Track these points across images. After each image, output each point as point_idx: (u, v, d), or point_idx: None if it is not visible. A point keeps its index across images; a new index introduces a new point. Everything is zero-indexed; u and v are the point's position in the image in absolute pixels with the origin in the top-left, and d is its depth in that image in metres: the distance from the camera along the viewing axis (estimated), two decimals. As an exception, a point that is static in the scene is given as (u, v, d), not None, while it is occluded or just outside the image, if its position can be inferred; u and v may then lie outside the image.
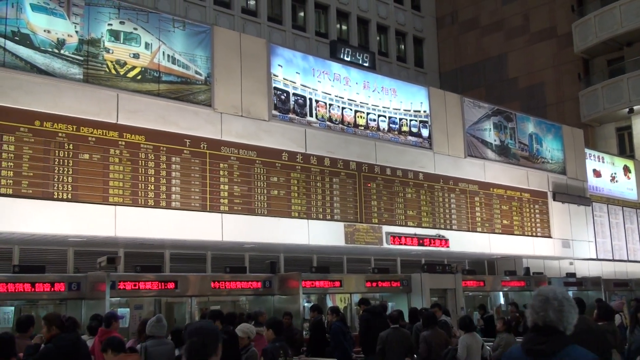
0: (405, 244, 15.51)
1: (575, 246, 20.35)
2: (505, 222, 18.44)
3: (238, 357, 6.98)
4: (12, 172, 10.13)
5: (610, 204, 23.37)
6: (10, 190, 10.06)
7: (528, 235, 18.98)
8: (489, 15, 30.89)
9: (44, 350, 6.83)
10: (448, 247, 16.45)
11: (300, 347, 10.96)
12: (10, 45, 10.33)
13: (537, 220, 19.43)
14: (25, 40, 10.50)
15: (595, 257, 21.59)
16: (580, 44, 27.39)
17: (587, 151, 22.74)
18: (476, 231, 17.53)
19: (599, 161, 23.50)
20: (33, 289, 10.41)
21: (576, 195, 20.85)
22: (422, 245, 15.86)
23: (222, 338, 3.42)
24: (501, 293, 18.25)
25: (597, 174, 23.07)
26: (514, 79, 29.73)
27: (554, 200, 19.97)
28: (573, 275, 20.34)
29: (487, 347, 9.72)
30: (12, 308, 10.73)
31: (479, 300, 17.33)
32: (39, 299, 10.94)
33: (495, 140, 18.80)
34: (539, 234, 19.32)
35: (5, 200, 9.97)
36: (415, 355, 9.47)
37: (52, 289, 10.64)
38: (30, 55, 10.52)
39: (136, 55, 11.78)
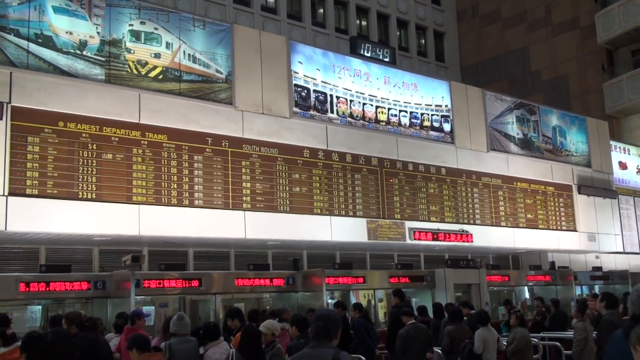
0: (428, 240, 15.43)
1: (601, 239, 20.11)
2: (529, 216, 18.27)
3: (261, 353, 7.00)
4: (37, 173, 10.25)
5: (637, 196, 23.03)
6: (36, 190, 10.19)
7: (553, 229, 18.78)
8: (510, 7, 30.58)
9: None
10: (472, 242, 16.34)
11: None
12: (33, 47, 10.44)
13: (562, 213, 19.23)
14: (48, 42, 10.61)
15: (622, 250, 21.31)
16: (604, 34, 27.00)
17: (613, 143, 22.44)
18: (500, 225, 17.39)
19: (625, 153, 23.18)
20: (59, 288, 10.55)
21: (602, 188, 20.59)
22: (445, 240, 15.77)
23: (341, 325, 4.23)
24: (526, 288, 18.12)
25: (622, 166, 22.77)
26: (536, 71, 29.40)
27: (579, 193, 19.74)
28: (599, 269, 20.13)
29: (503, 342, 9.63)
30: (40, 307, 10.88)
31: (504, 295, 17.21)
32: (66, 298, 11.08)
33: (518, 134, 18.62)
34: (564, 228, 19.11)
35: (31, 201, 10.09)
36: (435, 349, 9.49)
37: (78, 287, 10.78)
38: (53, 57, 10.63)
39: (157, 55, 11.85)
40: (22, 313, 10.70)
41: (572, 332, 10.98)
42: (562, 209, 19.25)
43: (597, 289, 18.86)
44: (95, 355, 6.62)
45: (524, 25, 30.05)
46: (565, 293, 17.72)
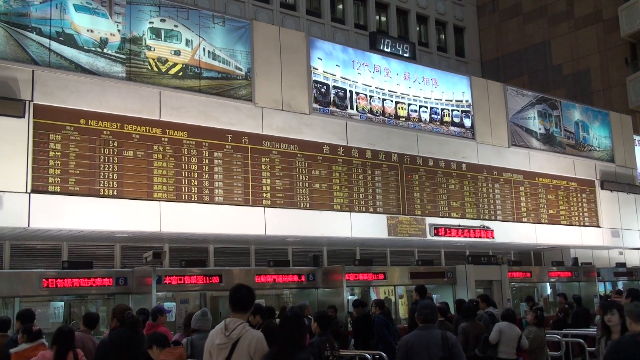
0: (449, 236, 15.35)
1: (625, 235, 19.87)
2: (551, 211, 18.09)
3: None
4: (59, 170, 10.34)
5: (661, 191, 22.68)
6: (58, 187, 10.28)
7: (575, 225, 18.59)
8: (531, 1, 30.24)
9: (100, 342, 7.05)
10: (493, 238, 16.22)
11: (345, 340, 10.95)
12: (55, 45, 10.53)
13: (585, 209, 19.02)
14: (69, 40, 10.69)
15: (646, 246, 21.04)
16: (627, 27, 26.61)
17: (636, 138, 22.16)
18: (521, 221, 17.24)
19: (649, 148, 22.85)
20: (81, 284, 10.64)
21: (625, 183, 20.34)
22: (466, 236, 15.67)
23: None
24: (548, 284, 17.95)
25: (647, 161, 22.44)
26: (558, 65, 29.08)
27: (602, 188, 19.52)
28: (623, 265, 19.89)
29: (525, 341, 9.50)
30: (62, 303, 10.99)
31: (526, 292, 17.07)
32: (88, 294, 11.18)
33: (540, 129, 18.44)
34: (586, 224, 18.91)
35: (54, 198, 10.19)
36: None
37: (100, 283, 10.87)
38: (74, 55, 10.71)
39: (177, 52, 11.89)
40: (45, 309, 10.81)
41: (595, 329, 10.86)
42: (584, 205, 19.04)
43: (620, 286, 18.64)
44: (131, 352, 6.67)
45: (545, 19, 29.72)
46: (588, 289, 17.53)
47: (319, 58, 14.03)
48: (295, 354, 4.86)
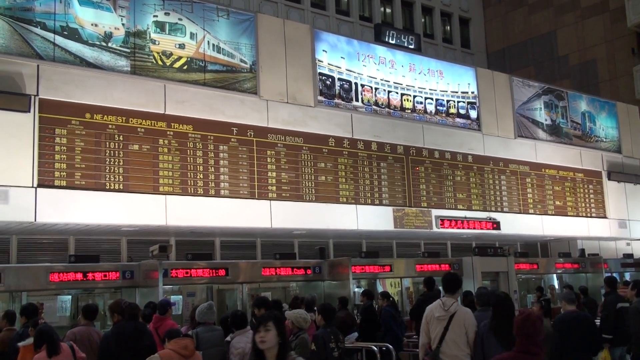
0: (455, 228, 15.32)
1: (632, 226, 19.79)
2: (558, 203, 18.03)
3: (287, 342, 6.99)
4: (65, 165, 10.36)
5: (668, 182, 22.56)
6: (64, 182, 10.30)
7: (582, 216, 18.53)
8: (537, -9, 30.07)
9: (103, 336, 7.07)
10: (499, 229, 16.18)
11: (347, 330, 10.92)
12: (59, 40, 10.53)
13: (592, 200, 18.95)
14: (74, 34, 10.69)
15: (653, 237, 20.95)
16: (634, 17, 26.39)
17: (643, 128, 22.03)
18: (528, 213, 17.20)
19: (656, 138, 22.71)
20: (88, 278, 10.68)
21: (632, 174, 20.25)
22: (472, 228, 15.63)
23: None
24: (555, 275, 17.90)
25: (654, 151, 22.32)
26: (564, 56, 28.90)
27: (609, 179, 19.44)
28: (630, 256, 19.81)
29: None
30: (69, 297, 11.03)
31: (533, 283, 17.04)
32: (95, 288, 11.22)
33: (546, 120, 18.37)
34: (593, 215, 18.84)
35: (60, 192, 10.21)
36: None
37: (107, 277, 10.90)
38: (79, 49, 10.71)
39: (182, 46, 11.88)
40: (53, 303, 10.86)
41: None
42: (591, 196, 18.97)
43: (627, 277, 18.58)
44: (135, 344, 6.69)
45: (551, 10, 29.52)
46: (595, 281, 17.47)
47: (323, 50, 14.00)
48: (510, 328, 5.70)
